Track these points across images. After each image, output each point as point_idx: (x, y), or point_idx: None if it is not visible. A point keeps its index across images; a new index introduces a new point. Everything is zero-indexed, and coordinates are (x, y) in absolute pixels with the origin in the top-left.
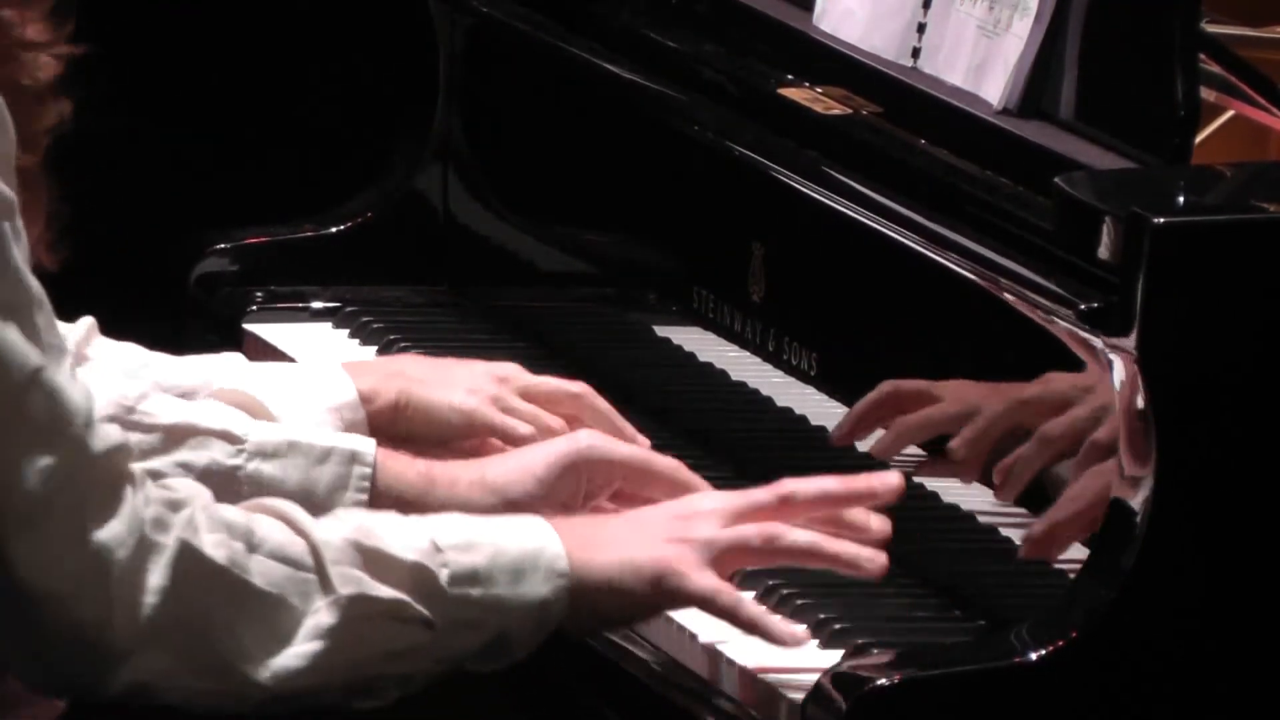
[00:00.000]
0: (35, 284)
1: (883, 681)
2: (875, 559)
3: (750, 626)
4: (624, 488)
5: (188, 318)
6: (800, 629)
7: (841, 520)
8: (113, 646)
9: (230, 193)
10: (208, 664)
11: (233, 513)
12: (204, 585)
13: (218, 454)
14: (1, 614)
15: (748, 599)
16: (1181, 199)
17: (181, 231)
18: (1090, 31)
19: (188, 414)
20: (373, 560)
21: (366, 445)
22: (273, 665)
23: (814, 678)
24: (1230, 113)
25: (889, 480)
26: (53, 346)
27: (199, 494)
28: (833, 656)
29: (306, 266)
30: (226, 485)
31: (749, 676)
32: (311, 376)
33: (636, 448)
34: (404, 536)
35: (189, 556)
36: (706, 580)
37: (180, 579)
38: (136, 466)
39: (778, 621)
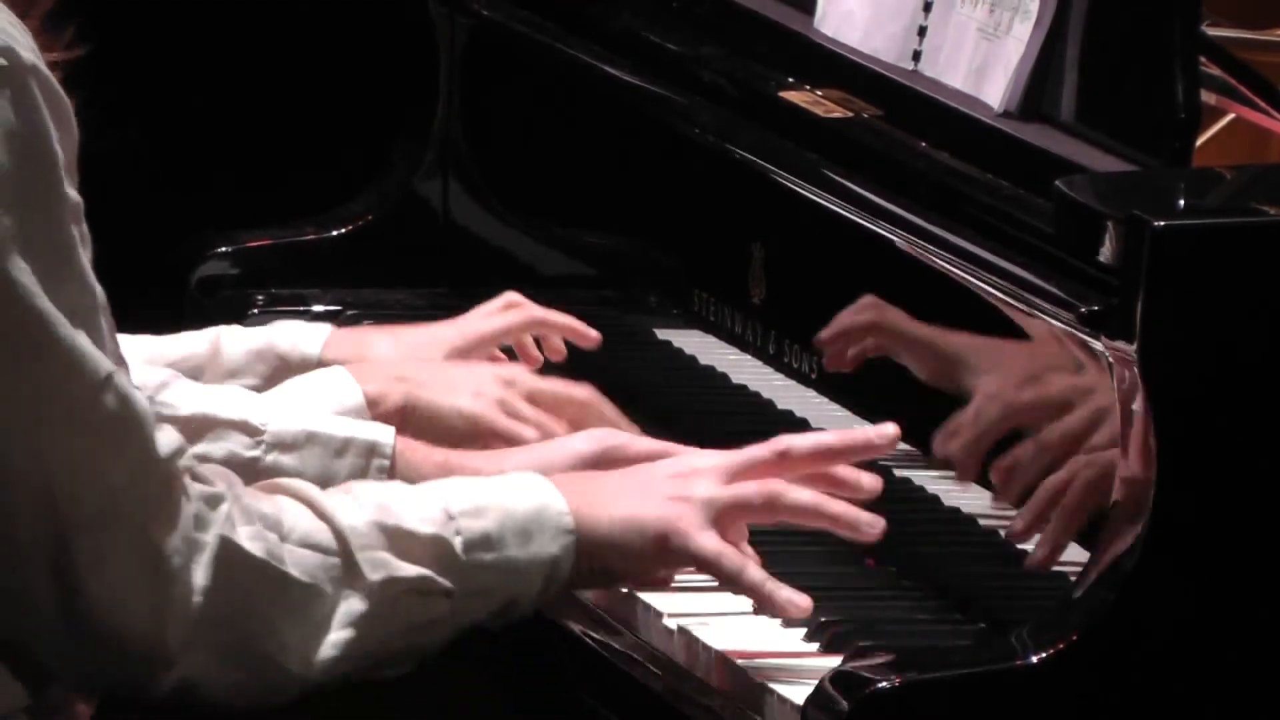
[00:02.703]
0: (100, 289)
1: (884, 684)
2: (875, 523)
3: (753, 591)
4: None
5: (188, 320)
6: (801, 597)
7: (834, 477)
8: (164, 647)
9: (231, 195)
10: (250, 658)
11: (260, 501)
12: (245, 579)
13: (236, 445)
14: (53, 618)
15: (752, 563)
16: (1182, 202)
17: (182, 234)
18: (1091, 34)
19: (206, 404)
20: (395, 539)
21: (385, 435)
22: (310, 655)
23: (803, 666)
24: (1231, 116)
25: (885, 431)
26: (115, 351)
27: (231, 483)
28: (833, 660)
29: (307, 269)
30: (246, 476)
31: (728, 663)
32: (317, 380)
33: (657, 446)
34: (419, 508)
35: (230, 552)
36: (710, 541)
37: (223, 576)
38: (182, 464)
39: (782, 588)
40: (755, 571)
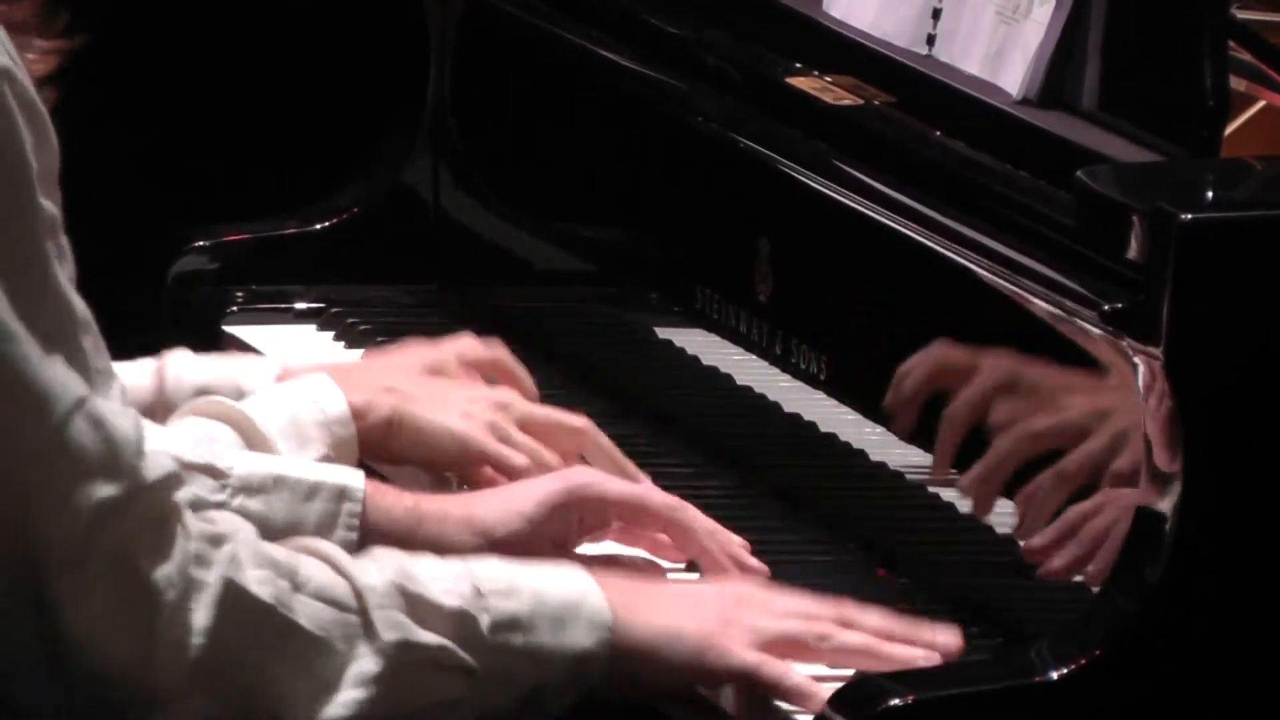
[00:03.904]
0: (81, 305)
1: (896, 701)
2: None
3: (795, 696)
4: (619, 525)
5: (164, 318)
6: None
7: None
8: (155, 692)
9: (210, 187)
10: (250, 711)
11: (276, 550)
12: (249, 625)
13: (201, 490)
14: (35, 660)
15: (793, 669)
16: (1210, 193)
17: (158, 228)
18: (1114, 17)
19: (170, 445)
20: (416, 605)
21: (355, 479)
22: (316, 714)
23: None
24: (1261, 103)
25: (952, 641)
26: (101, 371)
27: (240, 528)
28: (843, 674)
29: (289, 265)
30: None
31: (746, 689)
32: (300, 388)
33: (631, 485)
34: (445, 580)
35: (234, 594)
36: (750, 654)
37: (225, 618)
38: (179, 496)
39: (820, 691)
40: (796, 675)
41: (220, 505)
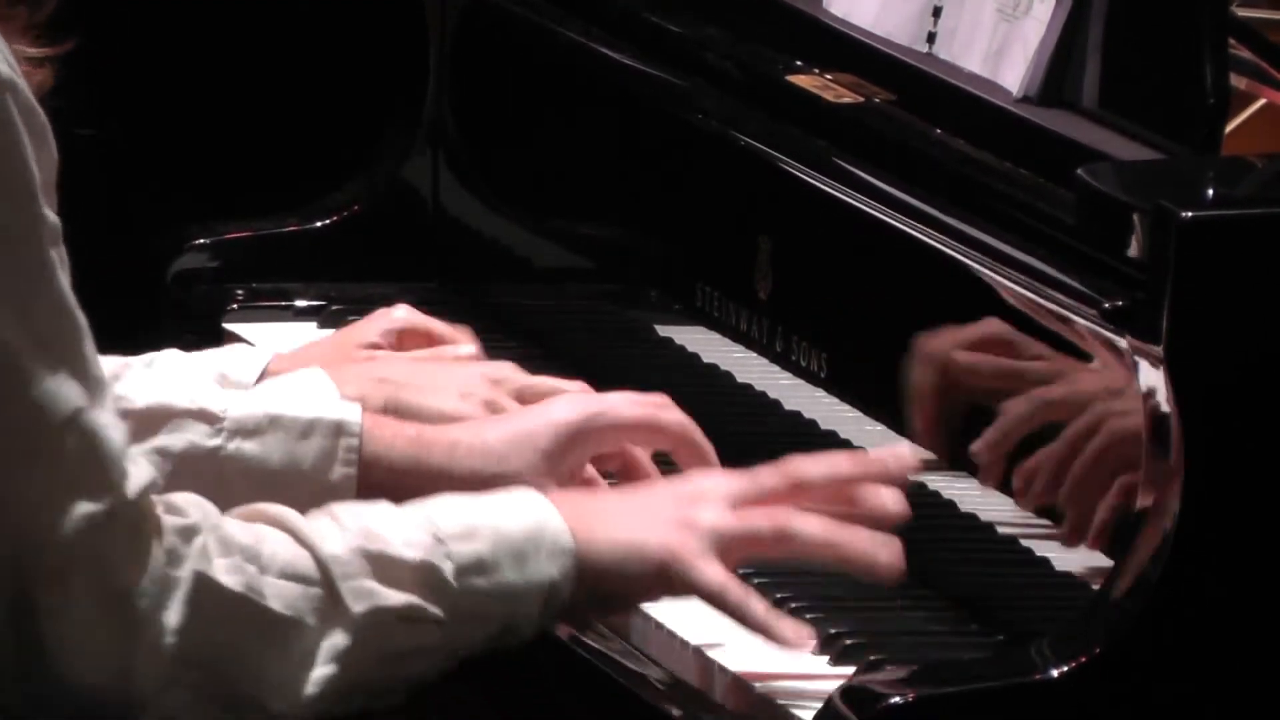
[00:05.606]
0: (80, 313)
1: (896, 699)
2: (893, 565)
3: (757, 626)
4: (630, 450)
5: (164, 316)
6: (806, 629)
7: (856, 501)
8: (135, 691)
9: (210, 185)
10: (230, 698)
11: (239, 531)
12: (222, 615)
13: (195, 435)
14: (12, 666)
15: (755, 596)
16: (1211, 191)
17: (158, 225)
18: (1115, 15)
19: (162, 394)
20: (380, 565)
21: (352, 413)
22: (293, 693)
23: (820, 688)
24: (1262, 101)
25: (901, 456)
26: (97, 380)
27: (207, 515)
28: (843, 673)
29: (289, 262)
30: (208, 467)
31: (745, 686)
32: (293, 382)
33: (641, 405)
34: (405, 531)
35: (205, 588)
36: (714, 573)
37: (198, 613)
38: (153, 498)
39: (785, 621)
40: (758, 604)
41: (216, 449)
